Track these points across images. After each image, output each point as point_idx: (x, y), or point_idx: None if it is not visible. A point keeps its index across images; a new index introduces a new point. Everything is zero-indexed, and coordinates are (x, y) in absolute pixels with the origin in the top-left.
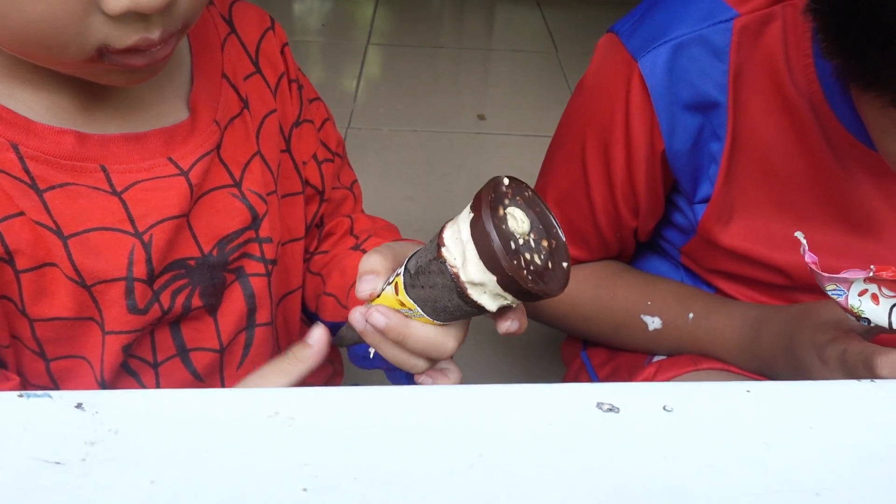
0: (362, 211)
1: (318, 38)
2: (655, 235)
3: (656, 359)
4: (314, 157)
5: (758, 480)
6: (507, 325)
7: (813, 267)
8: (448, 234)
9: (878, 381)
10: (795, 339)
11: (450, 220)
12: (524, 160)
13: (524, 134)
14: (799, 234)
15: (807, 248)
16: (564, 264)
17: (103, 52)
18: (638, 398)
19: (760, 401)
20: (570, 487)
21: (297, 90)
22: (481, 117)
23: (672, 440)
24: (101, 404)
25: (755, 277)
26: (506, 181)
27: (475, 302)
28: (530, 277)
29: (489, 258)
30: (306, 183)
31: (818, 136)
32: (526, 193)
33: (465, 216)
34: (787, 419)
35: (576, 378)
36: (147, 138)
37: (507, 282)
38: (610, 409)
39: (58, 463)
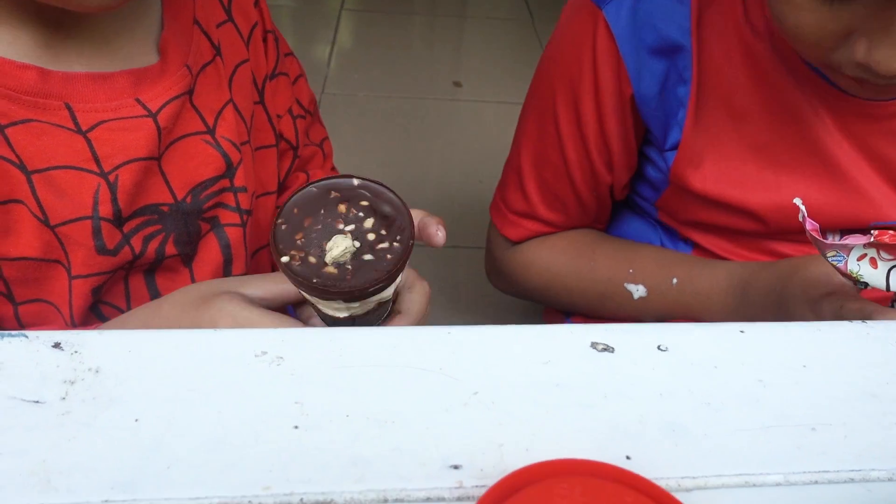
0: (333, 168)
1: (291, 3)
2: (631, 193)
3: None
4: (289, 111)
5: (754, 417)
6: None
7: (814, 234)
8: None
9: (869, 322)
10: (785, 294)
11: None
12: (500, 127)
13: (500, 101)
14: (797, 201)
15: (805, 213)
16: (374, 275)
17: None
18: (632, 338)
19: (754, 340)
20: (566, 426)
21: (273, 42)
22: (457, 84)
23: (668, 378)
24: (79, 344)
25: (729, 225)
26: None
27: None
28: (298, 265)
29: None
30: (280, 136)
31: (782, 77)
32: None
33: None
34: (782, 358)
35: None
36: (114, 78)
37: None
38: (605, 349)
39: (36, 402)
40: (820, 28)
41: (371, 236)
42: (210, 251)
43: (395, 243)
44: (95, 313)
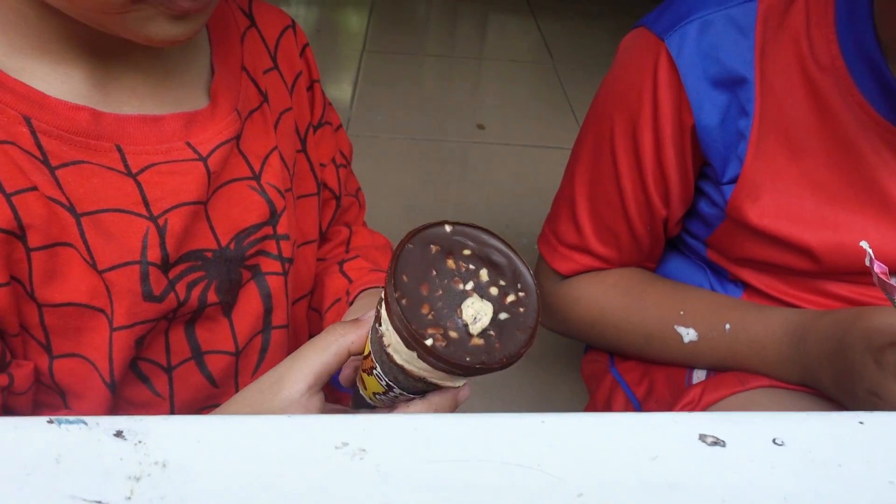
0: (364, 222)
1: (312, 44)
2: (681, 232)
3: (696, 378)
4: (333, 160)
5: None
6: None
7: (882, 277)
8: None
9: None
10: (846, 340)
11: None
12: (524, 169)
13: (523, 144)
14: (864, 244)
15: (873, 256)
16: (521, 335)
17: None
18: (744, 430)
19: (877, 434)
20: None
21: (320, 91)
22: (480, 126)
23: (788, 477)
24: (143, 432)
25: (782, 263)
26: (440, 232)
27: (406, 370)
28: (443, 345)
29: (397, 322)
30: (323, 185)
31: (843, 114)
32: (471, 243)
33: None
34: None
35: (608, 398)
36: (165, 121)
37: (410, 343)
38: (715, 443)
39: (99, 502)
40: None
41: (494, 290)
42: (250, 300)
43: (520, 293)
44: (134, 371)
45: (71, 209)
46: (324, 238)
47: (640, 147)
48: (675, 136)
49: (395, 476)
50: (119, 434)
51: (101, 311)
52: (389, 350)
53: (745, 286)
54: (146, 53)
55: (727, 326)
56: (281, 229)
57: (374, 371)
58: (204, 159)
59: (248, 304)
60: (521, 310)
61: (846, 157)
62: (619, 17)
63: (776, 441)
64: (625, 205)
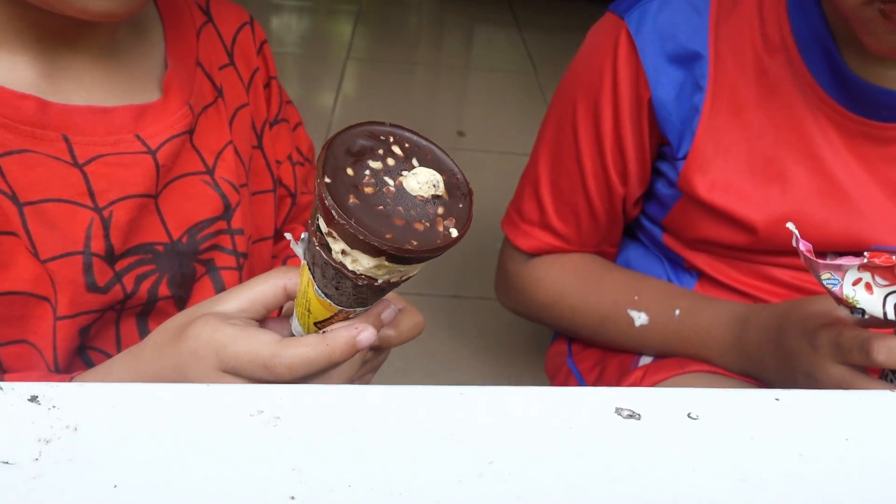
0: None
1: (297, 52)
2: (639, 215)
3: (642, 363)
4: (289, 158)
5: (796, 496)
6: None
7: (808, 255)
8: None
9: None
10: (784, 329)
11: None
12: (503, 176)
13: (503, 151)
14: (790, 225)
15: (798, 235)
16: (453, 231)
17: None
18: (660, 404)
19: (791, 409)
20: (590, 502)
21: (276, 88)
22: (461, 133)
23: (700, 450)
24: (58, 398)
25: (729, 241)
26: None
27: (336, 262)
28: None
29: (323, 210)
30: (279, 182)
31: (792, 93)
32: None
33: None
34: (821, 430)
35: (563, 386)
36: (114, 112)
37: (349, 238)
38: (630, 416)
39: (7, 462)
40: None
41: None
42: (205, 295)
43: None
44: (83, 358)
45: (13, 198)
46: (278, 236)
47: (600, 124)
48: (632, 110)
49: (308, 443)
50: (34, 399)
51: (46, 299)
52: (335, 256)
53: (700, 275)
54: (96, 42)
55: (677, 312)
56: (235, 224)
57: (316, 290)
58: (153, 152)
59: (202, 298)
60: (461, 206)
61: (794, 135)
62: None
63: (691, 415)
64: (584, 182)
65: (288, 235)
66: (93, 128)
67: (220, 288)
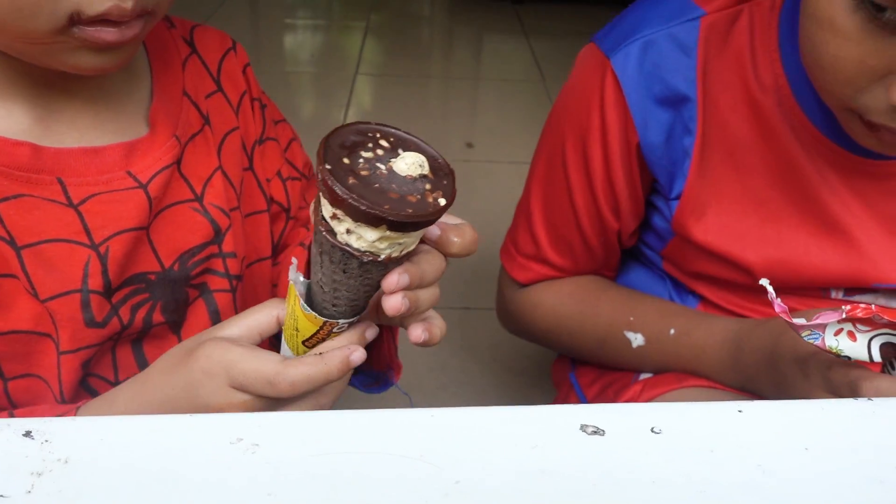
0: None
1: (308, 69)
2: (638, 243)
3: (642, 377)
4: (278, 174)
5: None
6: (417, 335)
7: (784, 316)
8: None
9: (875, 399)
10: (777, 351)
11: None
12: (511, 187)
13: (512, 161)
14: (764, 282)
15: (773, 295)
16: (441, 200)
17: (74, 21)
18: (624, 420)
19: (753, 421)
20: None
21: (259, 109)
22: (469, 145)
23: (661, 464)
24: (51, 432)
25: (728, 278)
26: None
27: (342, 243)
28: (367, 196)
29: (327, 191)
30: (271, 200)
31: (786, 134)
32: (387, 140)
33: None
34: (782, 440)
35: (565, 400)
36: (105, 152)
37: (350, 210)
38: (595, 432)
39: (2, 496)
40: (860, 63)
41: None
42: (198, 317)
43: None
44: (84, 387)
45: (11, 242)
46: (277, 250)
47: (590, 163)
48: (622, 153)
49: (284, 469)
50: (28, 434)
51: (48, 335)
52: (340, 238)
53: (701, 298)
54: (86, 85)
55: (672, 331)
56: (227, 247)
57: (302, 305)
58: (144, 186)
59: (196, 321)
60: (445, 182)
61: (789, 175)
62: None
63: (654, 429)
64: (577, 218)
65: (294, 260)
66: (85, 168)
67: (214, 310)
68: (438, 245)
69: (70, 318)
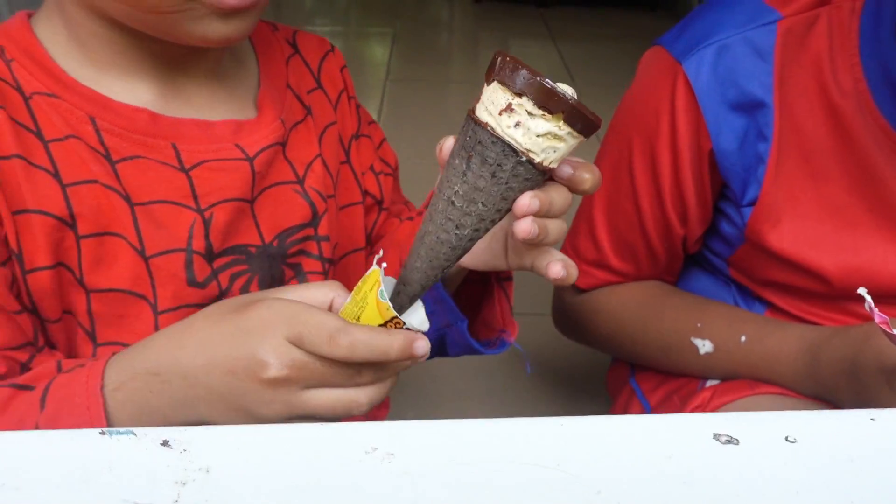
0: None
1: None
2: (702, 248)
3: (710, 384)
4: (371, 168)
5: None
6: (557, 271)
7: (884, 327)
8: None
9: None
10: (859, 362)
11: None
12: None
13: None
14: (862, 291)
15: (872, 304)
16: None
17: None
18: (757, 428)
19: (887, 429)
20: None
21: (355, 107)
22: None
23: (801, 474)
24: (187, 441)
25: (801, 286)
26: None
27: (508, 137)
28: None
29: (515, 79)
30: (366, 193)
31: (865, 139)
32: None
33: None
34: None
35: (625, 407)
36: (216, 126)
37: (537, 92)
38: (729, 441)
39: None
40: None
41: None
42: None
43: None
44: None
45: (127, 198)
46: (372, 240)
47: (658, 168)
48: (692, 159)
49: (422, 478)
50: (165, 443)
51: (143, 297)
52: (505, 132)
53: (769, 305)
54: (204, 67)
55: (742, 339)
56: (322, 231)
57: (380, 293)
58: (250, 159)
59: None
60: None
61: (867, 181)
62: (636, 38)
63: (788, 438)
64: (642, 222)
65: (381, 252)
66: (197, 137)
67: None
68: (571, 182)
69: (173, 275)
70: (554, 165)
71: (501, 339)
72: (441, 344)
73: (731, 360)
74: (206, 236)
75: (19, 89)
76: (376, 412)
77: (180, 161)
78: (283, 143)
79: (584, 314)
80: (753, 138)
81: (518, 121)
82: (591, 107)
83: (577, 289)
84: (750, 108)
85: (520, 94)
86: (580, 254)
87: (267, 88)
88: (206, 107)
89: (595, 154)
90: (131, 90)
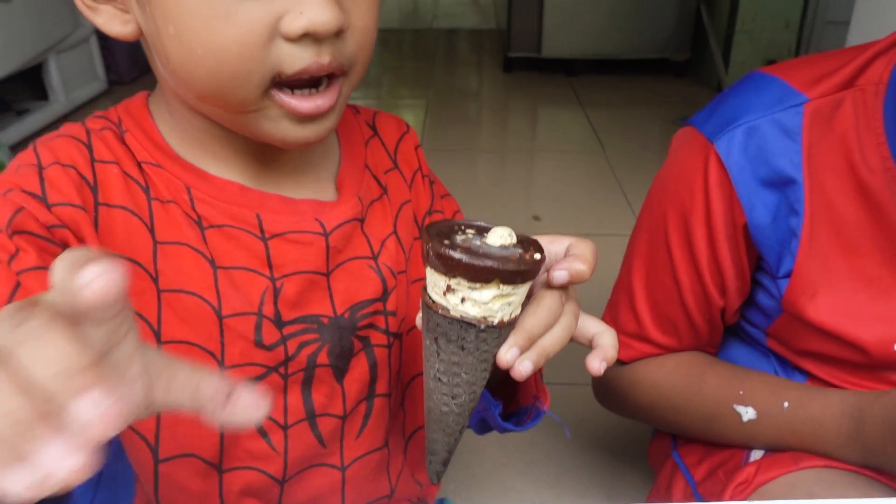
0: None
1: None
2: (740, 320)
3: (754, 457)
4: None
5: None
6: (596, 367)
7: None
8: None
9: None
10: None
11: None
12: None
13: (580, 232)
14: None
15: None
16: (537, 255)
17: (276, 82)
18: None
19: None
20: None
21: (428, 184)
22: (536, 218)
23: None
24: None
25: (837, 356)
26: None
27: (458, 316)
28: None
29: (443, 264)
30: None
31: (894, 214)
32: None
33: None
34: None
35: (669, 480)
36: (299, 203)
37: (465, 271)
38: None
39: None
40: None
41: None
42: (360, 369)
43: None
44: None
45: (211, 262)
46: None
47: (694, 242)
48: (728, 233)
49: None
50: None
51: (212, 353)
52: (454, 312)
53: (809, 375)
54: (291, 154)
55: (785, 405)
56: (390, 306)
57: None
58: (326, 234)
59: (358, 372)
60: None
61: None
62: (664, 104)
63: None
64: (682, 295)
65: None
66: (281, 210)
67: (373, 363)
68: (573, 282)
69: (242, 335)
70: (517, 314)
71: (536, 407)
72: (484, 422)
73: (774, 426)
74: (275, 303)
75: (133, 156)
76: (428, 488)
77: (262, 230)
78: (361, 220)
79: (625, 386)
80: (785, 213)
81: (462, 297)
82: (621, 172)
83: (617, 361)
84: (781, 184)
85: (452, 276)
86: (620, 326)
87: (347, 169)
88: (291, 187)
89: (631, 228)
90: (225, 170)
